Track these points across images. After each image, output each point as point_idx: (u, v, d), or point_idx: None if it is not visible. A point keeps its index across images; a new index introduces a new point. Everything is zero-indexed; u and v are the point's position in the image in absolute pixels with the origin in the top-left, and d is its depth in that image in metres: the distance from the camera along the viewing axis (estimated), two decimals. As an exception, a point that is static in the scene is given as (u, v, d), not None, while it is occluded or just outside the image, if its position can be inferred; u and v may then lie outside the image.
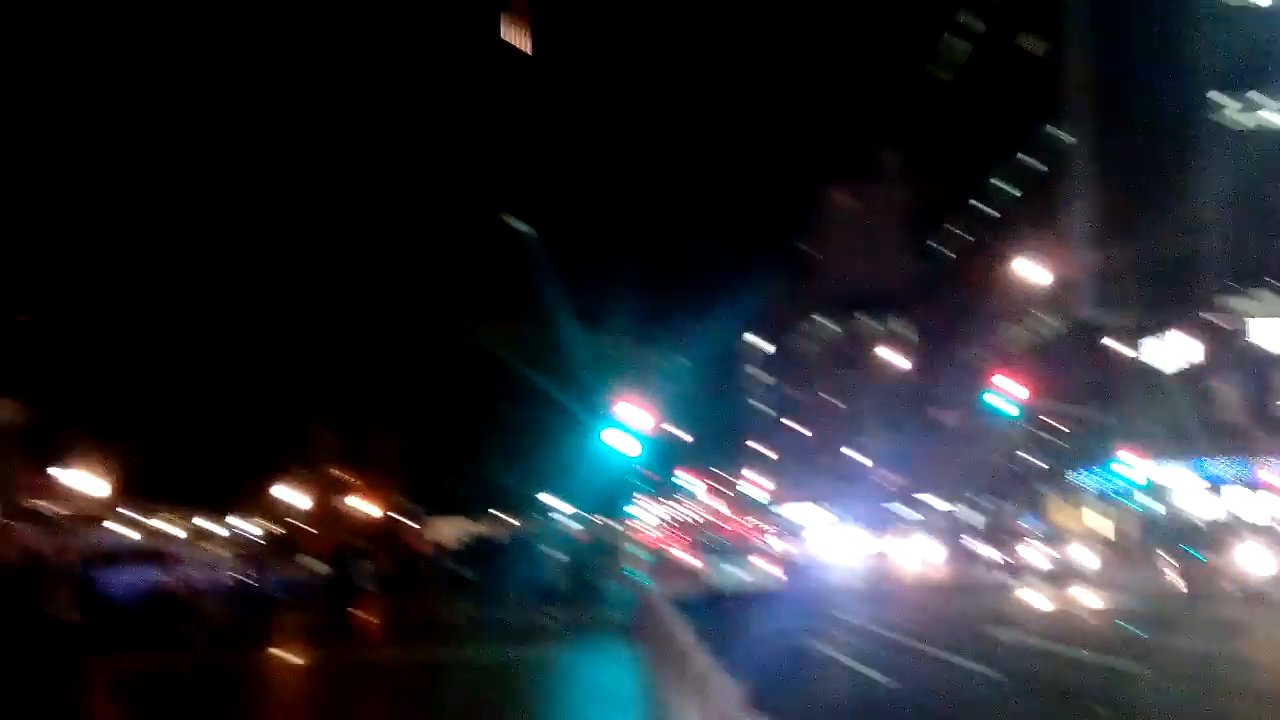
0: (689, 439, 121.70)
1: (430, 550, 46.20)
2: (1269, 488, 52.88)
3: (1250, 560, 29.93)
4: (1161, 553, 35.43)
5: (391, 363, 54.24)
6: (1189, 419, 60.78)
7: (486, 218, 56.34)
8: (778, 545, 67.37)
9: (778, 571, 41.84)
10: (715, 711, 8.13)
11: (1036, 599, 35.18)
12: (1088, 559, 41.95)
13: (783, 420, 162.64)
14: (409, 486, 60.72)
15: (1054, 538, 45.76)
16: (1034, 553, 41.96)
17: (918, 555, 63.95)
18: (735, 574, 39.69)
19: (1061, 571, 40.54)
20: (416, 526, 64.99)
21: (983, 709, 16.63)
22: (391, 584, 42.26)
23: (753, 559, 41.93)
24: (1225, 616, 26.02)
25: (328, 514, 57.47)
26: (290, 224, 52.81)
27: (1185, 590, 32.22)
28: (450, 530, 59.89)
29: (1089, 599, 34.56)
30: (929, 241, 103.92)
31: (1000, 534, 52.14)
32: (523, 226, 53.28)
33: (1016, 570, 41.78)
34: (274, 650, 25.58)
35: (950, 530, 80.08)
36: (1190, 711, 15.39)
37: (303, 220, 53.07)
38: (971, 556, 60.72)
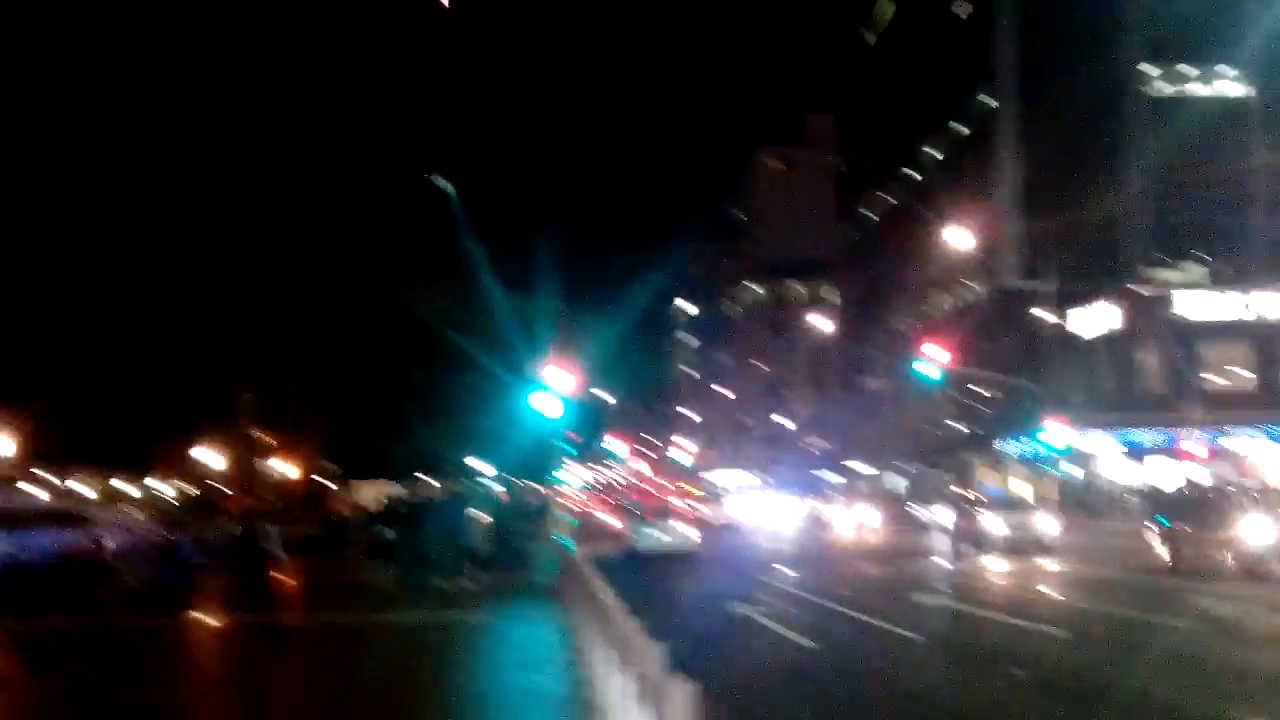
0: (617, 403, 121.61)
1: (352, 513, 45.56)
2: (1191, 457, 53.38)
3: (1248, 531, 28.23)
4: (1148, 523, 33.70)
5: (314, 323, 53.33)
6: (1114, 388, 61.38)
7: (413, 179, 55.54)
8: (701, 509, 67.83)
9: (695, 534, 43.30)
10: (638, 675, 7.84)
11: (992, 565, 34.67)
12: (1049, 527, 40.43)
13: (711, 385, 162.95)
14: (332, 448, 59.98)
15: (1011, 505, 44.31)
16: (993, 521, 40.46)
17: (849, 520, 64.08)
18: (654, 536, 41.97)
19: (1022, 540, 38.97)
20: (338, 489, 64.33)
21: (902, 669, 16.57)
22: (313, 547, 41.73)
23: (672, 522, 44.06)
24: (1190, 588, 25.46)
25: (247, 476, 56.62)
26: (211, 182, 51.77)
27: (1170, 563, 30.36)
28: (374, 493, 59.25)
29: (1055, 569, 33.77)
30: (858, 208, 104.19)
31: (952, 501, 51.62)
32: (448, 187, 52.48)
33: (972, 538, 40.62)
34: (190, 614, 25.01)
35: (882, 495, 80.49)
36: (1104, 674, 15.43)
37: (224, 178, 52.03)
38: (915, 523, 60.75)
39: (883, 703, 14.44)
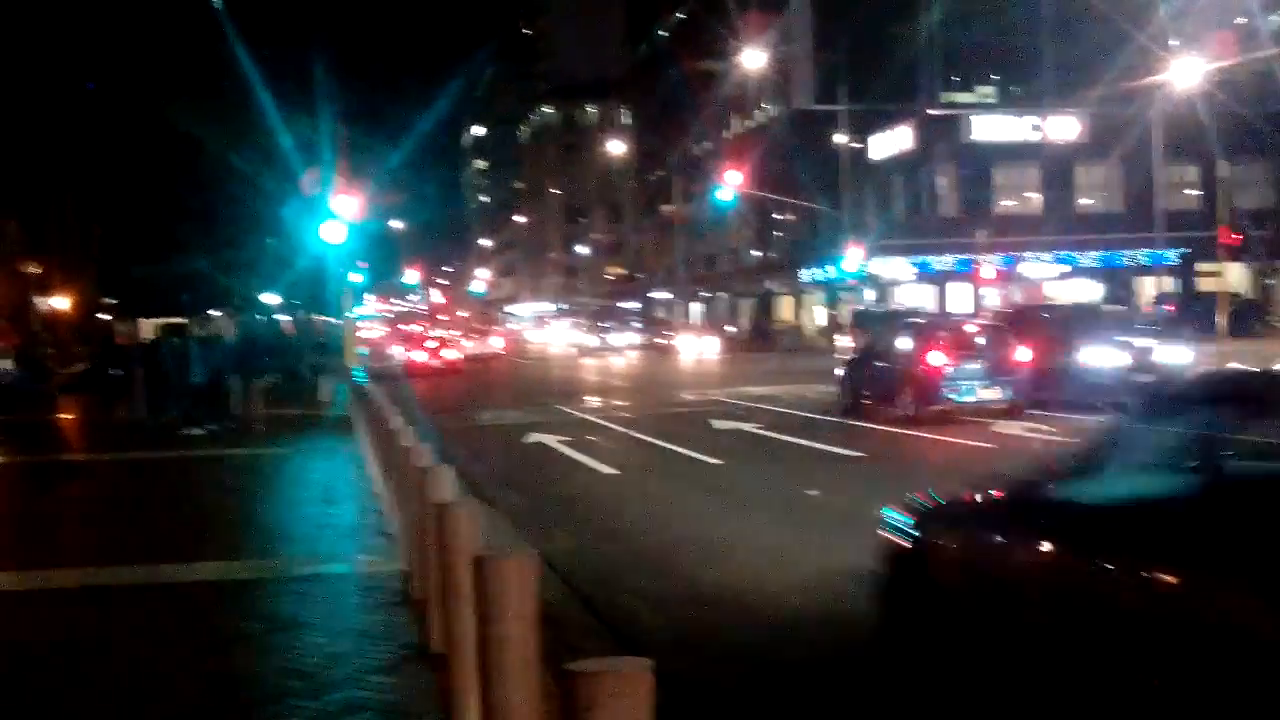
0: (413, 234, 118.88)
1: (131, 348, 43.16)
2: (986, 282, 54.56)
3: None
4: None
5: (82, 144, 49.55)
6: (909, 212, 62.09)
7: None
8: (493, 340, 71.05)
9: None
10: (431, 498, 7.28)
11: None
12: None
13: (507, 214, 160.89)
14: (106, 280, 56.68)
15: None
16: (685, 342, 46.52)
17: (616, 346, 65.48)
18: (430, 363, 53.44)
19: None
20: (123, 326, 61.51)
21: (695, 485, 16.67)
22: (88, 384, 39.80)
23: (444, 353, 55.91)
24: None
25: (16, 310, 53.22)
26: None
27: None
28: (158, 328, 56.49)
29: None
30: (650, 25, 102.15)
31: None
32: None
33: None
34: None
35: (677, 324, 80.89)
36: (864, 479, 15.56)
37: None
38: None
39: (673, 522, 14.07)
